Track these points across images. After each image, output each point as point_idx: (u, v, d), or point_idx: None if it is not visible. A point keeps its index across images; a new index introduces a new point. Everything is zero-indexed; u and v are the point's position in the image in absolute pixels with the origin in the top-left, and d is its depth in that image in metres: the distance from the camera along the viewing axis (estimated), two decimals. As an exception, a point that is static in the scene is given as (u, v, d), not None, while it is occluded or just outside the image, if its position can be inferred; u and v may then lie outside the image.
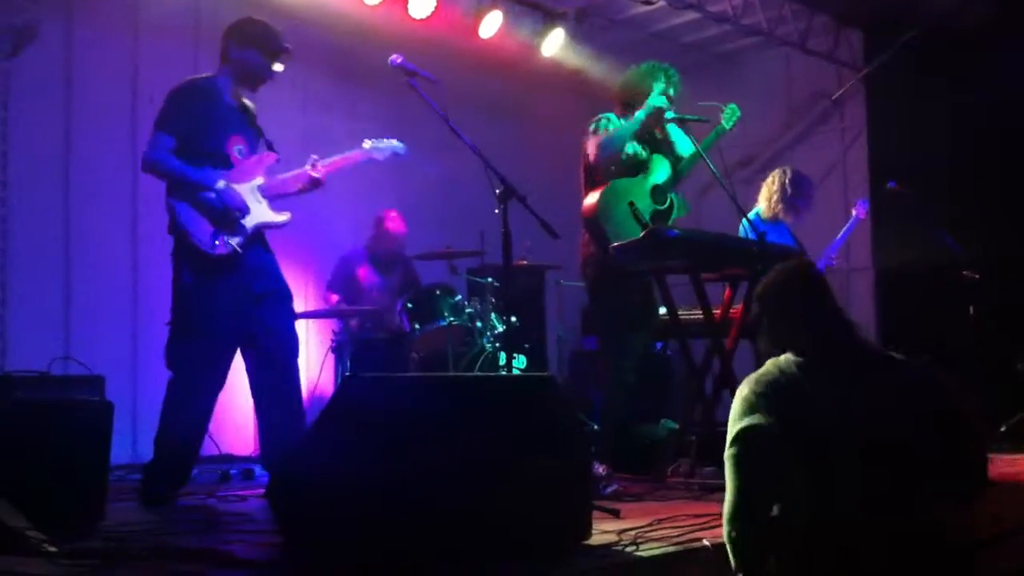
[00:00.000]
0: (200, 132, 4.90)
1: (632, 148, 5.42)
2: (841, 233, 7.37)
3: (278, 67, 5.10)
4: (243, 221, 4.90)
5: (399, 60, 4.81)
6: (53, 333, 6.78)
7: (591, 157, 5.38)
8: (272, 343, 4.96)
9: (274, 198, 5.10)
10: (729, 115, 5.50)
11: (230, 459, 6.63)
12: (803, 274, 3.18)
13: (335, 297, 7.65)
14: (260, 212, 5.01)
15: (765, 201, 6.93)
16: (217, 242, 4.82)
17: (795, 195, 6.86)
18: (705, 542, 3.36)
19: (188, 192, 4.83)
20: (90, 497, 3.93)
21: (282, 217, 5.10)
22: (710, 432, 5.21)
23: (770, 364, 3.03)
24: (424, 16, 7.47)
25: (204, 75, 5.08)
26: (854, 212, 7.45)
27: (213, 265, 4.82)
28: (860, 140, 9.36)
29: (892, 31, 8.74)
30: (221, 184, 4.87)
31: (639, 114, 5.33)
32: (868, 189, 8.71)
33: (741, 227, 6.15)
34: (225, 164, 4.97)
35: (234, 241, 4.85)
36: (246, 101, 5.16)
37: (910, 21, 8.48)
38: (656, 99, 5.34)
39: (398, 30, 7.25)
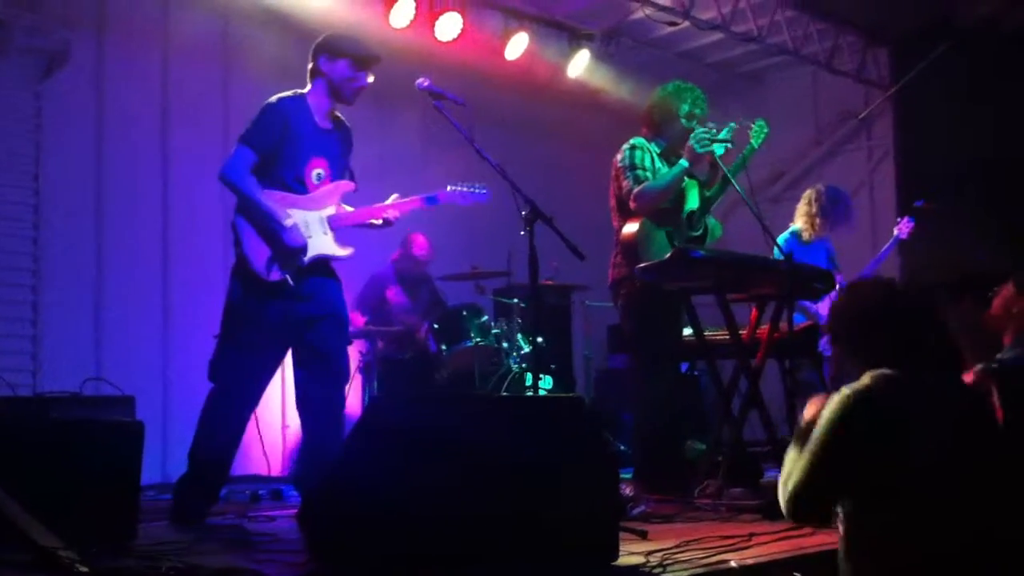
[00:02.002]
0: (282, 153, 4.82)
1: (657, 165, 5.43)
2: (882, 251, 7.29)
3: (370, 78, 4.98)
4: (303, 256, 4.83)
5: (426, 83, 4.83)
6: (85, 354, 6.84)
7: (631, 204, 5.35)
8: (318, 366, 4.91)
9: (342, 229, 5.02)
10: (757, 132, 5.49)
11: (259, 479, 6.66)
12: (898, 293, 3.16)
13: (362, 318, 7.67)
14: (322, 243, 4.91)
15: (804, 220, 6.91)
16: (272, 269, 4.81)
17: (834, 210, 6.85)
18: (732, 564, 3.35)
19: (260, 220, 4.79)
20: (122, 517, 3.95)
21: (345, 251, 4.99)
22: (739, 452, 5.20)
23: (868, 379, 2.98)
24: (451, 39, 7.51)
25: (294, 92, 4.96)
26: (896, 231, 7.33)
27: (263, 288, 4.82)
28: (888, 158, 9.35)
29: (919, 49, 8.73)
30: (289, 223, 4.77)
31: (683, 162, 5.29)
32: (896, 208, 8.69)
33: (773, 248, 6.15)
34: (300, 188, 4.89)
35: (288, 272, 4.83)
36: (343, 122, 5.09)
37: (937, 39, 8.47)
38: (700, 143, 5.27)
39: (426, 52, 7.29)
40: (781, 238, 6.83)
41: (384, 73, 5.01)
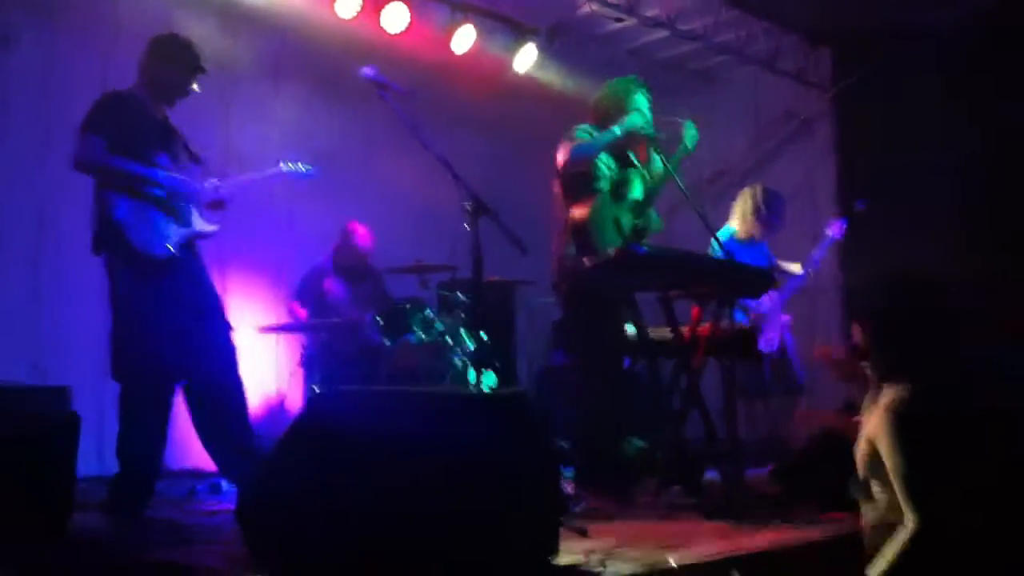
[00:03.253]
0: (127, 139, 4.87)
1: (606, 161, 5.45)
2: (816, 251, 7.27)
3: (195, 87, 5.11)
4: (182, 224, 4.91)
5: (371, 73, 4.81)
6: (21, 343, 6.72)
7: (559, 162, 5.40)
8: (207, 356, 4.96)
9: (204, 207, 5.12)
10: (689, 135, 5.52)
11: (196, 474, 6.58)
12: (928, 295, 3.19)
13: (303, 310, 7.61)
14: (192, 220, 5.05)
15: (739, 220, 6.96)
16: (156, 245, 4.79)
17: (769, 213, 6.89)
18: (672, 562, 3.37)
19: (129, 187, 4.81)
20: (56, 509, 3.90)
21: (211, 227, 5.14)
22: (679, 451, 5.22)
23: (899, 400, 3.02)
24: (398, 30, 7.47)
25: (123, 89, 5.06)
26: (829, 232, 7.33)
27: (151, 269, 4.79)
28: (829, 159, 9.43)
29: (862, 51, 8.81)
30: (164, 177, 4.89)
31: (616, 128, 5.35)
32: (837, 208, 8.77)
33: (711, 246, 6.17)
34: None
35: (173, 241, 4.83)
36: (166, 112, 5.16)
37: (879, 42, 8.55)
38: (635, 118, 5.36)
39: (374, 43, 7.24)
40: (722, 233, 6.89)
41: (330, 61, 4.98)
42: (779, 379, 6.99)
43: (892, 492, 3.04)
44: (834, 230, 7.33)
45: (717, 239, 5.74)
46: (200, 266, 5.10)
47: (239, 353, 5.13)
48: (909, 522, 2.95)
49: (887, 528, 3.03)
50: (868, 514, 3.20)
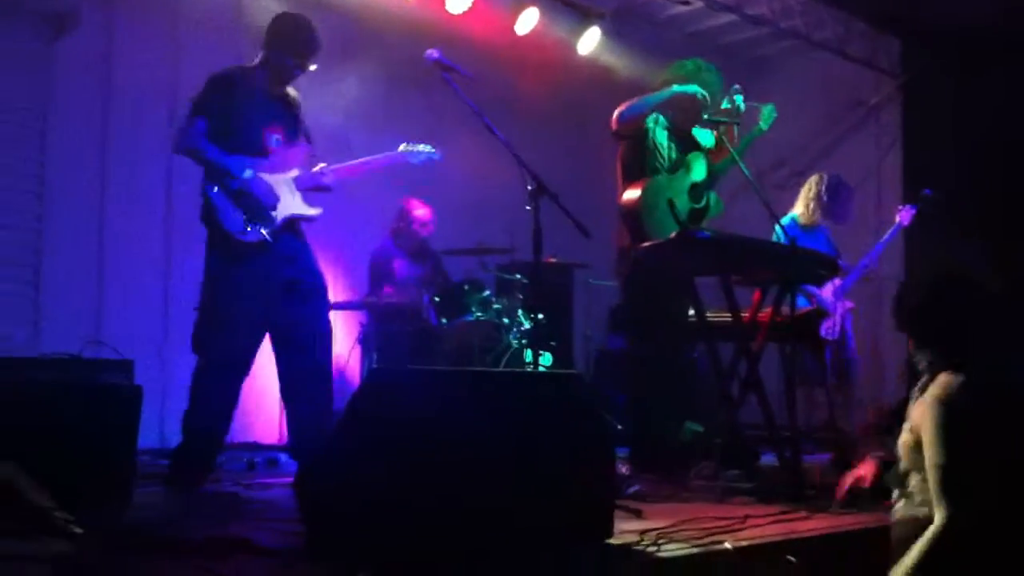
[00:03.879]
0: (236, 119, 4.92)
1: (663, 142, 5.43)
2: (883, 238, 7.22)
3: (312, 67, 5.09)
4: (273, 212, 4.93)
5: (435, 55, 4.83)
6: (86, 317, 6.84)
7: (613, 124, 5.39)
8: (301, 333, 4.98)
9: (308, 191, 5.12)
10: (767, 116, 5.51)
11: (256, 447, 6.67)
12: (970, 290, 3.16)
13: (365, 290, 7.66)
14: (292, 204, 5.04)
15: (803, 206, 6.92)
16: (249, 228, 4.84)
17: (832, 201, 6.84)
18: (727, 544, 3.35)
19: (219, 179, 4.86)
20: (117, 481, 3.97)
21: (314, 211, 5.13)
22: (735, 435, 5.20)
23: (949, 389, 3.00)
24: (461, 11, 7.48)
25: (245, 64, 5.10)
26: (898, 218, 7.28)
27: (243, 251, 4.85)
28: (896, 147, 9.32)
29: (930, 38, 8.69)
30: (248, 173, 4.89)
31: (673, 87, 5.31)
32: (902, 196, 8.66)
33: (774, 232, 6.12)
34: (262, 153, 4.99)
35: (264, 230, 4.88)
36: (291, 91, 5.17)
37: (948, 29, 8.42)
38: (693, 86, 5.33)
39: (436, 25, 7.26)
40: (785, 219, 6.83)
41: (394, 44, 5.00)
42: (837, 367, 6.93)
43: (927, 489, 3.01)
44: (903, 217, 7.26)
45: (780, 224, 5.70)
46: (301, 247, 5.10)
47: (332, 336, 5.15)
48: (938, 518, 2.90)
49: (918, 525, 2.99)
50: (899, 507, 3.17)
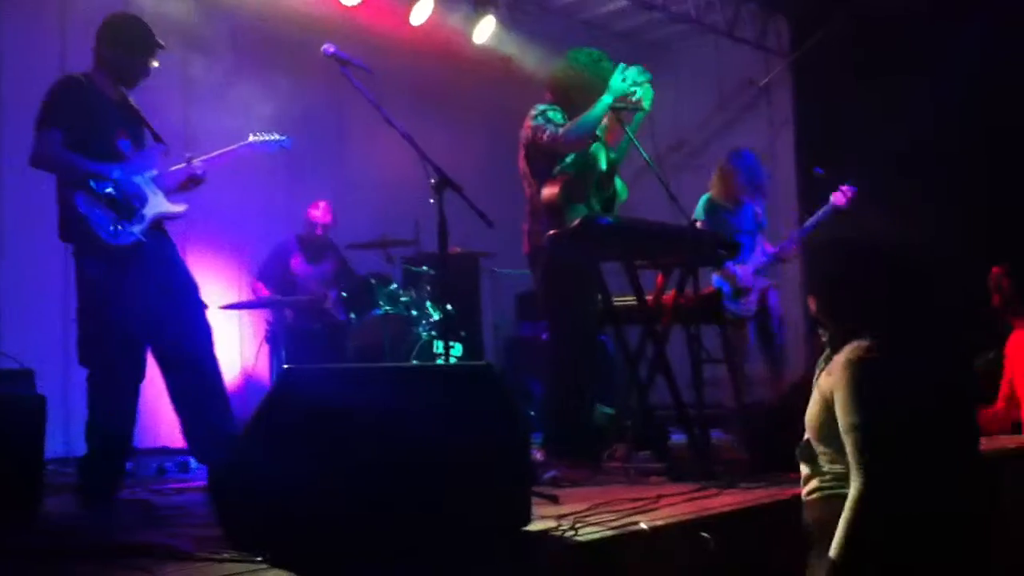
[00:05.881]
0: (87, 127, 4.82)
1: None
2: (811, 220, 7.15)
3: (154, 63, 5.04)
4: (143, 211, 4.87)
5: (331, 49, 4.79)
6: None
7: (558, 148, 5.34)
8: (183, 350, 4.91)
9: (169, 190, 5.07)
10: (646, 96, 5.50)
11: (165, 451, 6.58)
12: (888, 254, 3.17)
13: (267, 291, 7.59)
14: (158, 203, 4.97)
15: (715, 186, 7.04)
16: (120, 229, 4.76)
17: (758, 175, 7.00)
18: (643, 525, 3.40)
19: (84, 183, 4.75)
20: (25, 492, 3.89)
21: (179, 208, 5.07)
22: (646, 417, 5.27)
23: (860, 350, 3.01)
24: (355, 3, 7.44)
25: (80, 72, 4.98)
26: (832, 198, 7.09)
27: (117, 256, 4.76)
28: (788, 126, 9.50)
29: (819, 18, 8.87)
30: (117, 174, 4.82)
31: (606, 98, 5.30)
32: (795, 174, 8.85)
33: (696, 210, 6.23)
34: (117, 158, 4.90)
35: (136, 230, 4.81)
36: (125, 94, 5.09)
37: (836, 8, 8.61)
38: (619, 83, 5.30)
39: (330, 18, 7.21)
40: (700, 203, 6.95)
41: (289, 38, 4.96)
42: (762, 344, 7.04)
43: (838, 462, 3.03)
44: (837, 198, 7.10)
45: (680, 206, 5.75)
46: (171, 247, 5.04)
47: (213, 333, 5.10)
48: (856, 485, 2.88)
49: (834, 504, 2.96)
50: (812, 486, 3.15)
